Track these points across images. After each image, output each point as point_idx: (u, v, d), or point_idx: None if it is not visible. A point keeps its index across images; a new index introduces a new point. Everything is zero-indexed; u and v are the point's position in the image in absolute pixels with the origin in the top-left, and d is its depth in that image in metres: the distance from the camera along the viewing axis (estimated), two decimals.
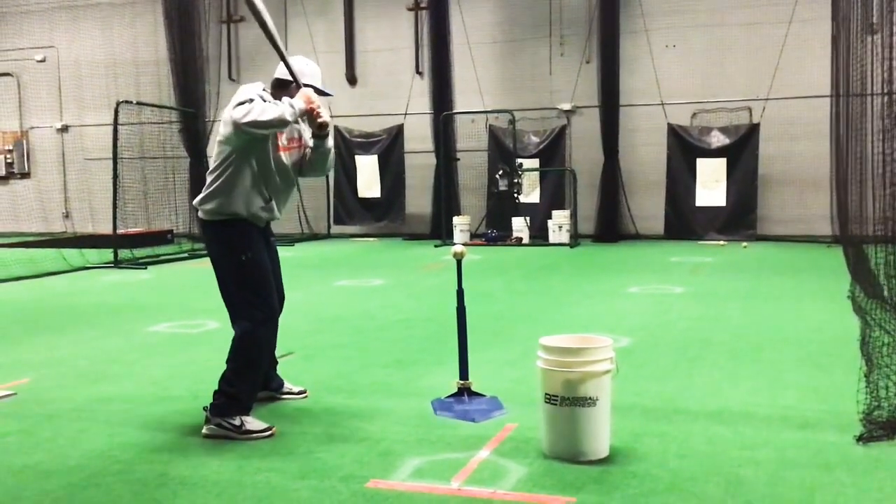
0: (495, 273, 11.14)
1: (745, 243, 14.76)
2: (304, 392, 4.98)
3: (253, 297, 4.32)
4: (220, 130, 4.30)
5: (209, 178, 4.41)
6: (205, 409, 4.35)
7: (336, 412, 4.66)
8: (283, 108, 4.13)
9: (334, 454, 3.95)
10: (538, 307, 8.36)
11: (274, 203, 4.45)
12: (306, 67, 4.46)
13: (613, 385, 3.89)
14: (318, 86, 4.44)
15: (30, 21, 20.54)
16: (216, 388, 4.34)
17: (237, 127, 4.07)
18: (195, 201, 4.50)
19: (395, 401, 4.88)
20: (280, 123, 4.13)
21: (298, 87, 4.34)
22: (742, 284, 9.70)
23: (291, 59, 4.41)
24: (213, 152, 4.43)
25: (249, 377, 4.33)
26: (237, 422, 4.23)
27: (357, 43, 18.61)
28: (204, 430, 4.29)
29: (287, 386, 4.96)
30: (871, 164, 8.01)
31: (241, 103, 4.09)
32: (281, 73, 4.46)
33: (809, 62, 15.22)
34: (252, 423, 4.27)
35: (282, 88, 4.42)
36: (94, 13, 20.26)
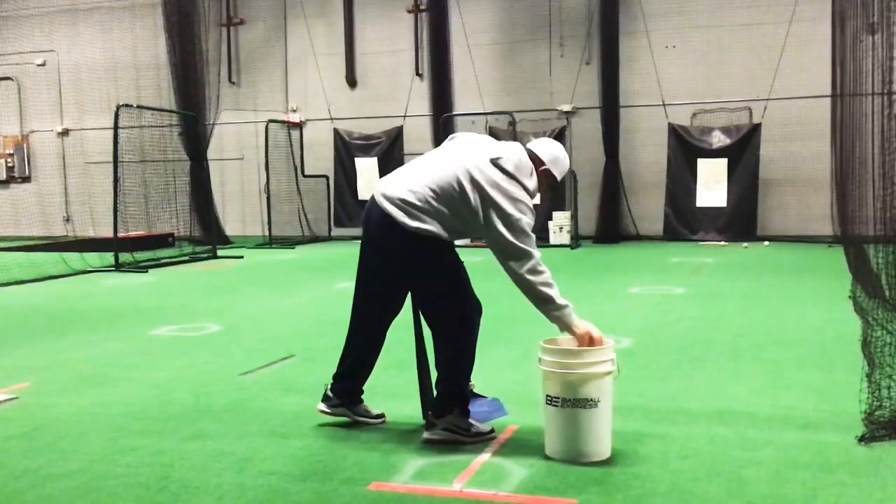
0: (496, 275, 11.11)
1: (745, 244, 14.75)
2: (383, 417, 4.53)
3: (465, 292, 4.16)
4: (482, 189, 3.90)
5: (431, 197, 3.96)
6: (428, 413, 4.15)
7: None
8: (564, 308, 3.88)
9: (336, 457, 3.94)
10: None
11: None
12: (563, 160, 4.19)
13: (615, 386, 3.89)
14: (558, 178, 4.19)
15: (30, 25, 20.56)
16: (435, 392, 4.16)
17: (508, 251, 3.88)
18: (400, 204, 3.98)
19: (397, 402, 4.87)
20: (541, 301, 3.89)
21: (546, 174, 4.10)
22: (743, 285, 9.69)
23: (549, 143, 4.22)
24: (442, 178, 3.96)
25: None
26: (465, 424, 4.08)
27: (357, 45, 18.61)
28: (427, 436, 4.09)
29: (366, 408, 4.56)
30: (871, 164, 8.01)
31: (519, 216, 3.88)
32: (544, 153, 4.14)
33: (810, 62, 15.22)
34: (479, 426, 4.13)
35: (536, 164, 4.10)
36: (94, 17, 20.28)
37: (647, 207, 16.59)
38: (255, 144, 18.65)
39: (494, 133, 17.28)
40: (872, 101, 7.80)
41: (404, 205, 3.95)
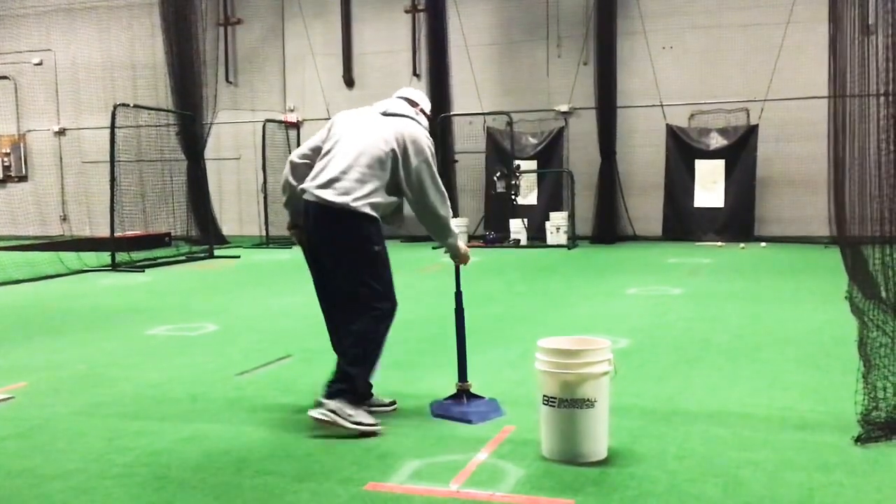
0: (494, 275, 11.15)
1: (742, 244, 14.77)
2: (394, 403, 4.76)
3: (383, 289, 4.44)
4: (413, 162, 4.41)
5: (365, 174, 4.34)
6: (320, 393, 4.34)
7: None
8: (455, 233, 4.67)
9: (333, 456, 3.94)
10: (536, 309, 8.36)
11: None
12: (427, 103, 4.80)
13: (612, 386, 3.89)
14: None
15: (27, 24, 20.53)
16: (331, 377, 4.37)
17: (427, 189, 4.43)
18: (326, 185, 4.36)
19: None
20: (446, 228, 4.57)
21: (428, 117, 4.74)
22: (740, 285, 9.71)
23: (414, 90, 4.81)
24: (371, 150, 4.36)
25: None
26: (350, 410, 4.23)
27: (354, 45, 18.61)
28: (314, 414, 4.25)
29: (377, 398, 4.73)
30: (868, 165, 8.02)
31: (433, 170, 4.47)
32: (420, 99, 4.73)
33: (807, 63, 15.24)
34: (365, 415, 4.29)
35: (414, 106, 4.69)
36: (90, 16, 20.25)
37: (645, 208, 16.60)
38: (252, 144, 18.62)
39: (492, 133, 17.31)
40: (869, 103, 7.82)
41: (333, 185, 4.31)
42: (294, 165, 4.59)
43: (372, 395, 4.62)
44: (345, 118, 4.60)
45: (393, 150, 4.36)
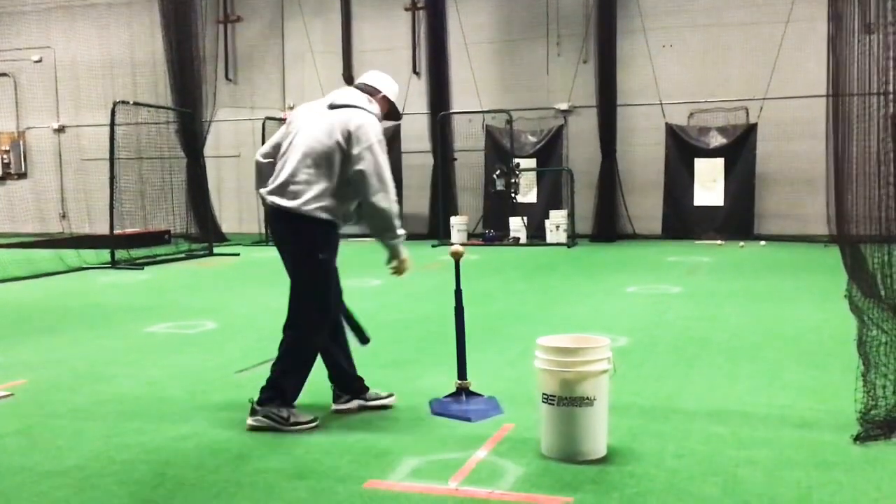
0: (493, 273, 11.15)
1: (742, 243, 14.77)
2: (392, 395, 4.76)
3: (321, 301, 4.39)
4: (354, 150, 4.24)
5: (312, 175, 4.26)
6: (251, 401, 4.37)
7: (333, 413, 4.65)
8: (399, 234, 4.35)
9: (332, 454, 3.95)
10: (536, 307, 8.36)
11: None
12: (393, 85, 4.61)
13: (611, 385, 3.90)
14: (397, 104, 4.66)
15: (26, 21, 20.52)
16: (264, 383, 4.40)
17: (370, 178, 4.20)
18: (279, 190, 4.31)
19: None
20: (387, 223, 4.28)
21: (394, 113, 4.62)
22: (739, 284, 9.71)
23: (379, 74, 4.64)
24: (316, 147, 4.27)
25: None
26: (285, 413, 4.29)
27: (354, 43, 18.60)
28: (250, 422, 4.31)
29: (373, 392, 4.75)
30: (867, 164, 8.02)
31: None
32: (380, 84, 4.56)
33: (807, 62, 15.24)
34: (299, 415, 4.33)
35: (372, 96, 4.50)
36: (90, 13, 20.25)
37: (644, 206, 16.61)
38: (251, 142, 18.60)
39: (491, 131, 17.30)
40: (868, 101, 7.81)
41: (285, 189, 4.26)
42: (259, 167, 4.56)
43: (368, 388, 4.69)
44: (300, 113, 4.49)
45: (338, 143, 4.24)
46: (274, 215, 4.35)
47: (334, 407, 4.64)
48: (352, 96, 4.42)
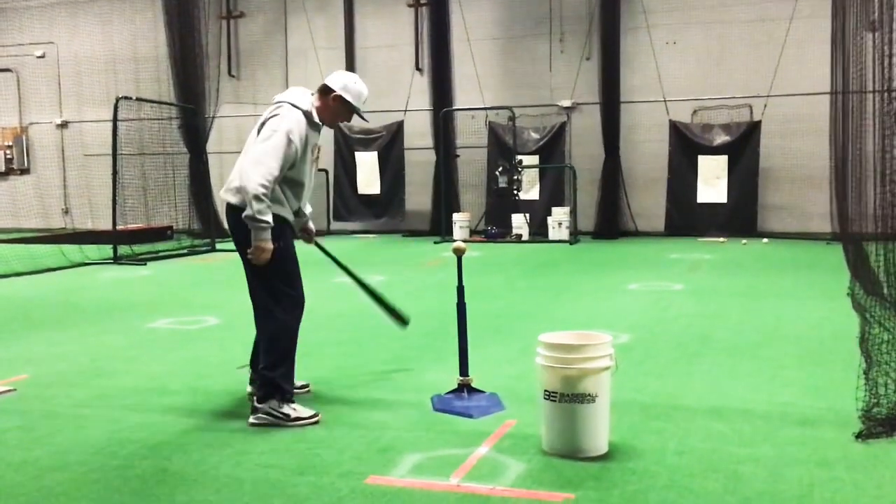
0: (495, 270, 11.14)
1: (744, 240, 14.75)
2: (307, 386, 5.00)
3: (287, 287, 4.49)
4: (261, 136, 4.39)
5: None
6: (250, 397, 4.45)
7: (335, 409, 4.65)
8: (262, 218, 4.22)
9: (333, 450, 3.95)
10: (538, 304, 8.36)
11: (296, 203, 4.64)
12: (353, 86, 4.56)
13: (613, 382, 3.90)
14: (360, 107, 4.60)
15: (29, 17, 20.51)
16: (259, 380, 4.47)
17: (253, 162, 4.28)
18: (230, 187, 4.48)
19: (395, 397, 4.88)
20: (252, 217, 4.21)
21: (350, 110, 4.56)
22: (742, 281, 9.70)
23: (341, 74, 4.63)
24: (249, 145, 4.49)
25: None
26: (286, 409, 4.34)
27: (357, 39, 18.58)
28: (252, 420, 4.36)
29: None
30: (870, 162, 8.01)
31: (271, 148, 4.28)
32: (334, 83, 4.54)
33: (810, 59, 15.20)
34: (300, 410, 4.38)
35: (325, 94, 4.53)
36: (93, 9, 20.24)
37: (647, 204, 16.59)
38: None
39: (494, 128, 17.29)
40: (872, 99, 7.80)
41: (233, 187, 4.42)
42: None
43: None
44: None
45: (260, 135, 4.41)
46: (225, 212, 4.53)
47: (249, 389, 4.75)
48: (288, 93, 4.53)
